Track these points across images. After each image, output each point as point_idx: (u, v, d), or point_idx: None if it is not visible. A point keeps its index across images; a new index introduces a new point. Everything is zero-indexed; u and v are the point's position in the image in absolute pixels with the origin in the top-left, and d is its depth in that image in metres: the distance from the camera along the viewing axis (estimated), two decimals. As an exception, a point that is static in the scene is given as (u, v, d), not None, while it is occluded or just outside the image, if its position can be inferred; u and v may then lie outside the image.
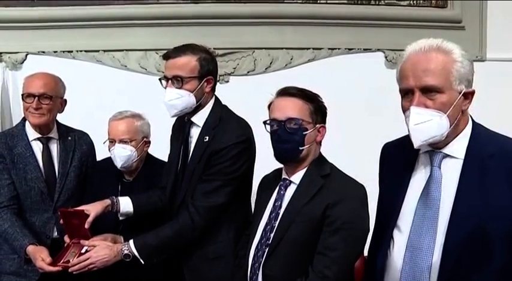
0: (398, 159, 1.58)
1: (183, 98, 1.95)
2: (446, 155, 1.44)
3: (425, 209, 1.44)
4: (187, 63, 1.96)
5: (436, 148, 1.45)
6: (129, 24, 3.19)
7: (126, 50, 3.21)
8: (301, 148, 1.70)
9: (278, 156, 1.75)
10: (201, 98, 2.00)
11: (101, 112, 2.92)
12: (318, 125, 1.72)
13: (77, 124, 2.49)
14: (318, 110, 1.73)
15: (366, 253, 1.74)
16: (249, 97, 2.75)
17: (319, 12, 3.18)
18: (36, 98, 2.22)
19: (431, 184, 1.44)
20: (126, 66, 3.21)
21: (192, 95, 1.96)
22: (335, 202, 1.64)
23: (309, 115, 1.71)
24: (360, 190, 1.71)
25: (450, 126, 1.38)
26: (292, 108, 1.71)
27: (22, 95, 2.26)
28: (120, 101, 2.62)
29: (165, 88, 1.99)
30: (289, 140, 1.70)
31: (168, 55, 1.98)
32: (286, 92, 1.75)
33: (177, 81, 1.95)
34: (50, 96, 2.26)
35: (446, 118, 1.36)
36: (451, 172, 1.42)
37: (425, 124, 1.36)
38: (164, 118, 2.37)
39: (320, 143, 1.77)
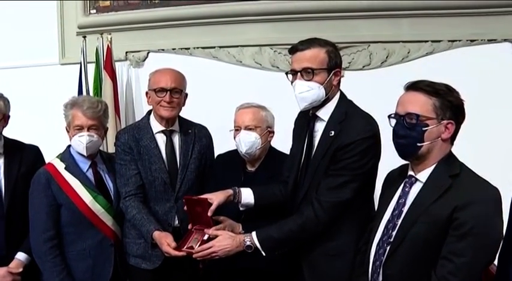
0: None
1: (313, 91, 1.93)
2: None
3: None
4: (317, 55, 1.93)
5: None
6: (244, 21, 3.26)
7: (241, 46, 3.28)
8: (419, 144, 1.63)
9: (397, 151, 1.71)
10: (329, 92, 1.97)
11: (216, 106, 3.04)
12: (444, 122, 1.63)
13: (193, 118, 2.57)
14: (446, 106, 1.63)
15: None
16: (364, 92, 2.69)
17: (437, 2, 3.00)
18: (168, 92, 2.32)
19: None
20: (241, 61, 3.29)
21: (322, 88, 1.93)
22: (464, 205, 1.54)
23: (433, 111, 1.62)
24: (492, 193, 1.59)
25: None
26: (412, 103, 1.65)
27: (153, 89, 2.36)
28: (235, 96, 2.67)
29: (292, 82, 1.98)
30: (406, 135, 1.65)
31: (296, 48, 1.96)
32: (410, 86, 1.69)
33: (307, 73, 1.93)
34: (180, 91, 2.36)
35: None
36: None
37: None
38: (278, 113, 2.42)
39: (450, 140, 1.67)
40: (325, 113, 1.99)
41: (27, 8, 3.69)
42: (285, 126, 2.29)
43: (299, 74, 1.95)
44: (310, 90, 1.93)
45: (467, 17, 3.01)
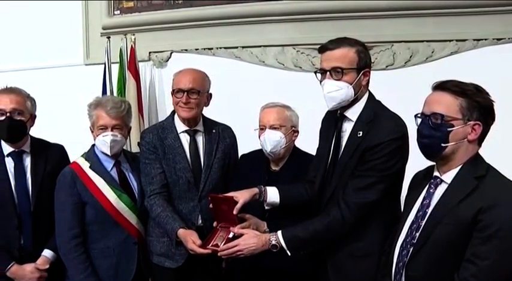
0: None
1: (342, 91, 1.91)
2: None
3: None
4: (346, 54, 1.91)
5: None
6: (267, 21, 3.27)
7: (264, 46, 3.29)
8: (443, 145, 1.60)
9: (421, 151, 1.69)
10: (358, 92, 1.94)
11: (239, 106, 3.05)
12: (470, 123, 1.60)
13: (216, 117, 2.58)
14: (474, 107, 1.60)
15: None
16: (388, 92, 2.66)
17: (462, 1, 2.96)
18: (185, 93, 2.33)
19: None
20: (264, 61, 3.29)
21: (351, 87, 1.91)
22: (489, 206, 1.51)
23: (459, 111, 1.59)
24: None
25: None
26: (438, 103, 1.62)
27: (172, 90, 2.38)
28: (258, 95, 2.68)
29: (321, 82, 1.97)
30: (430, 135, 1.62)
31: (325, 47, 1.95)
32: (438, 86, 1.66)
33: (337, 73, 1.91)
34: (197, 91, 2.36)
35: None
36: None
37: None
38: (301, 113, 2.40)
39: (477, 142, 1.64)
40: (353, 113, 1.97)
41: (52, 10, 3.76)
42: (307, 126, 2.29)
43: (328, 73, 1.93)
44: (339, 90, 1.91)
45: (493, 15, 2.95)
